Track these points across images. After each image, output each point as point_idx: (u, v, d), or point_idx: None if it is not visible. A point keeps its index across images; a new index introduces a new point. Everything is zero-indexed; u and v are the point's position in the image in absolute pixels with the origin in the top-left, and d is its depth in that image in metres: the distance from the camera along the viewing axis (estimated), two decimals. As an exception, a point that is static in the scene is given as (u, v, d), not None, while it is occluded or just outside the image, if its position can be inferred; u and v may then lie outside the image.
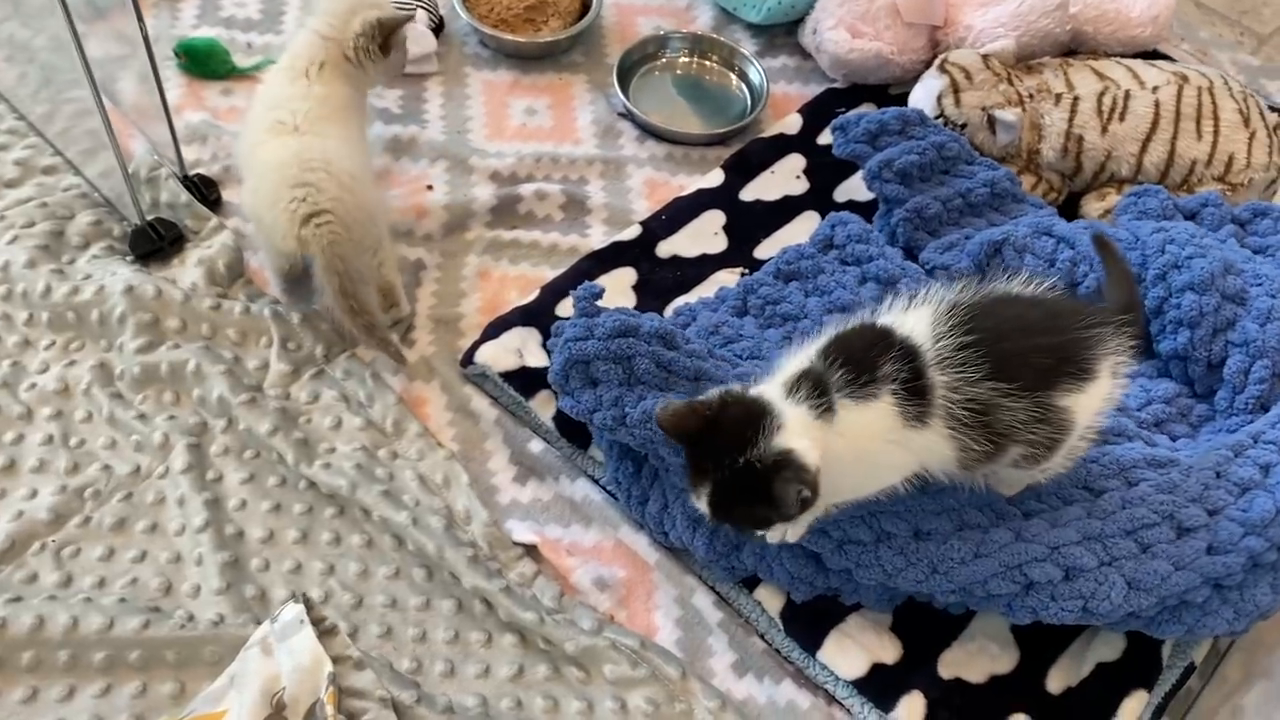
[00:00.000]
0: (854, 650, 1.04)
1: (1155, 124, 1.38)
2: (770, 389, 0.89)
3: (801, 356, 0.91)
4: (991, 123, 1.39)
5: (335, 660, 0.98)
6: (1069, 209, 1.43)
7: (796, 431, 0.85)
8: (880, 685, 1.02)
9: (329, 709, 0.93)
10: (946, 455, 0.90)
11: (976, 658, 1.05)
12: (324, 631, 1.00)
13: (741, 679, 1.05)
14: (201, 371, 1.18)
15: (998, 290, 0.93)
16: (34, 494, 1.11)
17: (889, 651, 1.04)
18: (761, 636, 1.07)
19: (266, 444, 1.15)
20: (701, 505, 0.89)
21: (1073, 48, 1.53)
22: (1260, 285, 1.18)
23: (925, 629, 1.06)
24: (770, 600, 1.06)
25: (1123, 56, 1.50)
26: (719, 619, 1.08)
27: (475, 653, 1.04)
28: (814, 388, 0.87)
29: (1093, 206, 1.40)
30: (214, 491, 1.12)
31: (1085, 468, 1.03)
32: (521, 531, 1.12)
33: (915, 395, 0.87)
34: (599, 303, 1.10)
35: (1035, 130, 1.40)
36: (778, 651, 1.06)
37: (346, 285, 1.11)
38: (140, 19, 1.17)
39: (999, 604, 0.97)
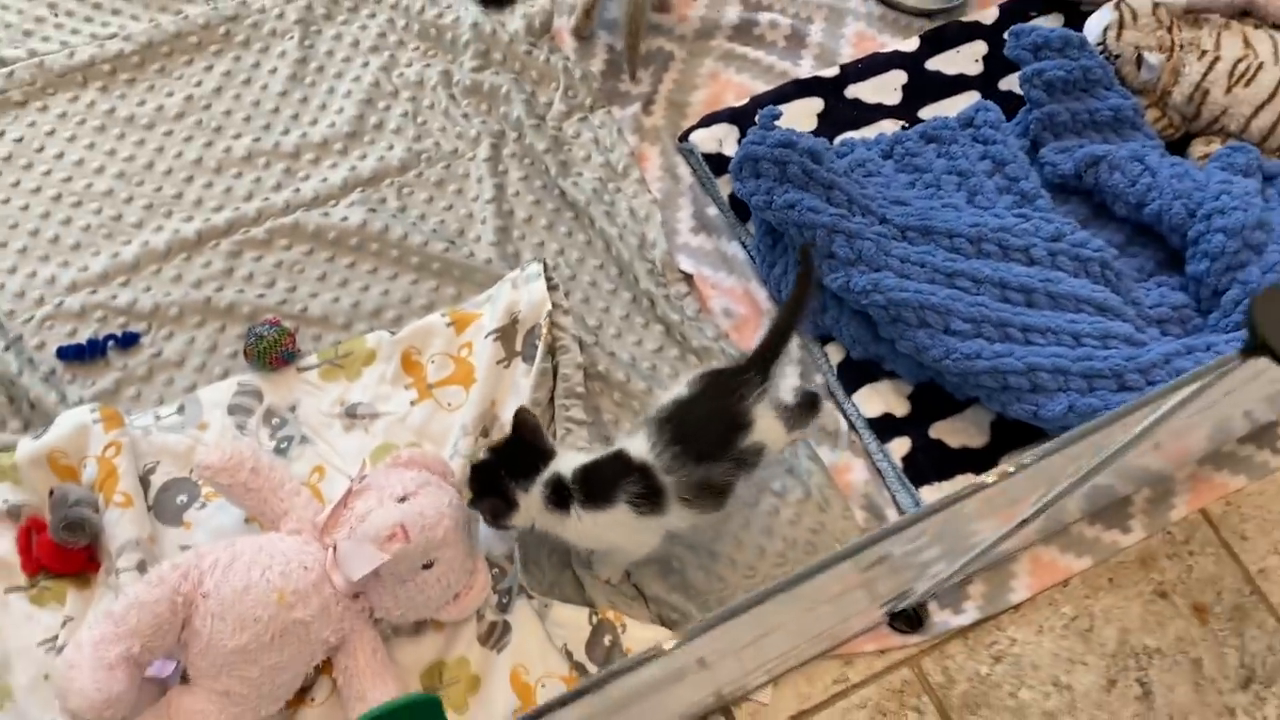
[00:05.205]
0: (876, 399, 1.53)
1: (1273, 96, 1.68)
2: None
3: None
4: (1139, 61, 1.72)
5: (553, 306, 1.55)
6: (1182, 145, 1.76)
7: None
8: (885, 426, 1.52)
9: (543, 328, 1.51)
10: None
11: (959, 433, 1.53)
12: (550, 286, 1.56)
13: (800, 397, 1.57)
14: (510, 96, 1.72)
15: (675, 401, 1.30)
16: (390, 147, 1.69)
17: (899, 408, 1.53)
18: (822, 376, 1.58)
19: (541, 157, 1.69)
20: None
21: (1245, 10, 1.80)
22: (1280, 246, 1.54)
23: (932, 403, 1.53)
24: (834, 354, 1.56)
25: (1286, 29, 1.76)
26: (797, 356, 1.59)
27: (636, 330, 1.60)
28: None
29: (1198, 149, 1.74)
30: (500, 180, 1.68)
31: (1085, 325, 1.46)
32: (686, 264, 1.64)
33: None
34: (776, 123, 1.56)
35: (1173, 76, 1.72)
36: (828, 390, 1.57)
37: (637, 15, 1.65)
38: None
39: (982, 393, 1.44)
